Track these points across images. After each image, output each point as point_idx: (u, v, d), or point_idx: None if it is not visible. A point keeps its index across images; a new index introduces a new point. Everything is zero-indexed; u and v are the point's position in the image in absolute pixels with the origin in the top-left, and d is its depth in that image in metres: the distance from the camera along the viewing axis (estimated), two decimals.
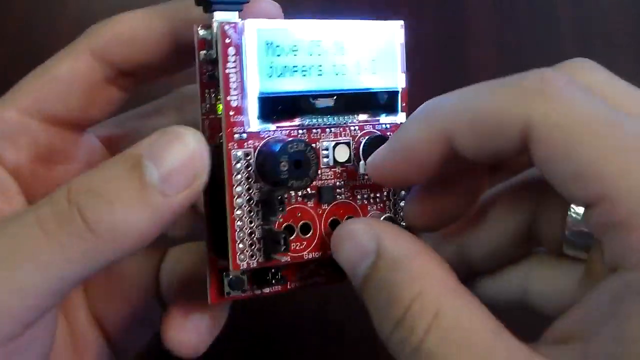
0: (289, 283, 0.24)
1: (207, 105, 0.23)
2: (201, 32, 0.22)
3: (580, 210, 0.23)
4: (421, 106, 0.23)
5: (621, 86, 0.22)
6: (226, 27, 0.22)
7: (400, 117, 0.25)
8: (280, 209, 0.23)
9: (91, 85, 0.25)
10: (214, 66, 0.22)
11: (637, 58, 0.45)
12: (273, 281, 0.24)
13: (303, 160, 0.23)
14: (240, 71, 0.22)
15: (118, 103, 0.26)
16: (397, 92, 0.25)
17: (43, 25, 0.49)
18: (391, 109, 0.25)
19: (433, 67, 0.46)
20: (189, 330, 0.24)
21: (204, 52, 0.22)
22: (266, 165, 0.22)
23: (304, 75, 0.24)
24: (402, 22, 0.26)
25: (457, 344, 0.19)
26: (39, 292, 0.19)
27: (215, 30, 0.22)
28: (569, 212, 0.23)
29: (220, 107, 0.22)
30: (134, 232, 0.20)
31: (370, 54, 0.25)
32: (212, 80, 0.23)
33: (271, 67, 0.23)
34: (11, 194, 0.24)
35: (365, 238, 0.21)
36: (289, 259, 0.23)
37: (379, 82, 0.25)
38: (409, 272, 0.20)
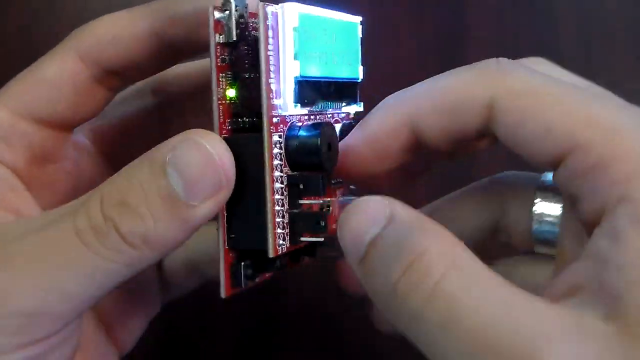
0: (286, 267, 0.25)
1: (222, 90, 0.22)
2: (217, 14, 0.21)
3: (544, 206, 0.24)
4: (385, 98, 0.24)
5: (574, 77, 0.23)
6: (268, 8, 0.21)
7: (360, 107, 0.27)
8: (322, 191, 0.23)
9: (79, 85, 0.25)
10: (225, 49, 0.22)
11: (637, 58, 0.45)
12: (276, 266, 0.23)
13: (332, 144, 0.23)
14: (277, 54, 0.22)
15: (106, 102, 0.27)
16: (358, 82, 0.27)
17: (43, 25, 0.49)
18: (354, 99, 0.27)
19: (433, 67, 0.46)
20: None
21: (219, 35, 0.22)
22: (307, 149, 0.22)
23: (319, 62, 0.24)
24: (361, 18, 0.27)
25: (479, 288, 0.18)
26: (81, 297, 0.21)
27: (234, 11, 0.21)
28: (533, 207, 0.24)
29: (229, 93, 0.22)
30: (166, 242, 0.21)
31: (350, 45, 0.26)
32: (224, 64, 0.22)
33: (304, 52, 0.23)
34: (20, 192, 0.25)
35: (377, 207, 0.21)
36: (316, 240, 0.23)
37: (352, 73, 0.27)
38: (422, 229, 0.20)
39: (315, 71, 0.24)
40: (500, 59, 0.22)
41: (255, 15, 0.22)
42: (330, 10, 0.25)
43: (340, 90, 0.25)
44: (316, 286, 0.42)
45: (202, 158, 0.20)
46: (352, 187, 0.26)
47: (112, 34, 0.25)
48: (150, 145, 0.30)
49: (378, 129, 0.23)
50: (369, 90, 0.46)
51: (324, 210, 0.24)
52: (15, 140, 0.25)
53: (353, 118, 0.27)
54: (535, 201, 0.24)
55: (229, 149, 0.21)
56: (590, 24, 0.46)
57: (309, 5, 0.23)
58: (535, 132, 0.20)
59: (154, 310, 0.30)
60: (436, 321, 0.18)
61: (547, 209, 0.24)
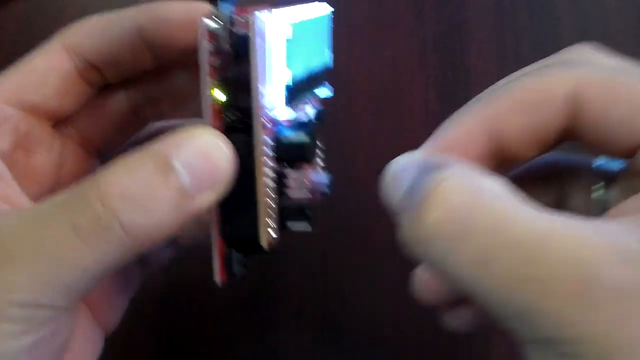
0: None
1: (212, 95, 0.23)
2: (209, 24, 0.22)
3: (604, 193, 0.23)
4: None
5: (626, 62, 0.23)
6: (258, 19, 0.22)
7: (330, 91, 0.28)
8: None
9: (64, 76, 0.27)
10: (215, 56, 0.22)
11: (637, 58, 0.45)
12: (266, 251, 0.25)
13: (315, 138, 0.24)
14: (268, 62, 0.22)
15: (87, 98, 0.28)
16: (329, 68, 0.27)
17: (43, 26, 0.49)
18: (324, 82, 0.27)
19: (433, 67, 0.46)
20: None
21: (211, 43, 0.22)
22: (297, 146, 0.24)
23: (302, 61, 0.24)
24: (332, 9, 0.27)
25: (512, 223, 0.18)
26: (78, 289, 0.21)
27: (226, 21, 0.22)
28: (592, 195, 0.24)
29: (217, 95, 0.23)
30: (167, 232, 0.21)
31: (322, 35, 0.26)
32: (213, 69, 0.23)
33: (293, 58, 0.24)
34: (7, 180, 0.25)
35: (407, 162, 0.21)
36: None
37: (324, 61, 0.27)
38: (440, 166, 0.19)
39: (300, 72, 0.24)
40: (568, 53, 0.23)
41: (244, 11, 0.23)
42: (296, 5, 0.25)
43: (314, 78, 0.26)
44: (316, 286, 0.42)
45: (209, 152, 0.21)
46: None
47: (98, 28, 0.26)
48: (127, 136, 0.31)
49: (453, 136, 0.22)
50: (370, 90, 0.46)
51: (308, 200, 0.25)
52: (2, 125, 0.26)
53: (322, 102, 0.28)
54: (595, 187, 0.24)
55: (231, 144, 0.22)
56: (590, 24, 0.46)
57: (287, 8, 0.24)
58: (626, 114, 0.20)
59: (135, 286, 0.30)
60: (469, 261, 0.18)
61: (608, 195, 0.23)
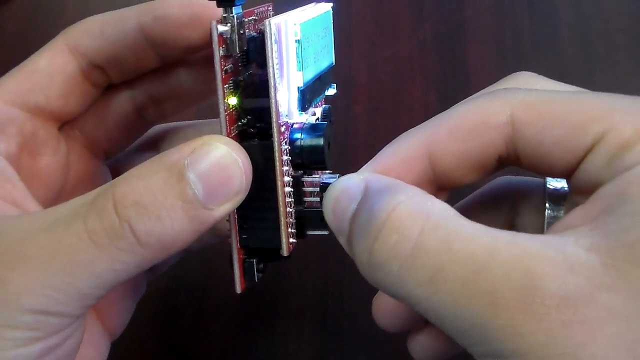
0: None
1: (227, 101, 0.23)
2: (220, 28, 0.22)
3: (556, 211, 0.24)
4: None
5: (564, 85, 0.23)
6: (273, 24, 0.21)
7: (334, 89, 0.28)
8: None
9: (68, 76, 0.27)
10: (227, 60, 0.22)
11: (637, 58, 0.45)
12: (284, 257, 0.24)
13: (331, 143, 0.24)
14: (281, 66, 0.22)
15: (92, 99, 0.28)
16: (333, 65, 0.27)
17: (43, 25, 0.49)
18: (330, 82, 0.27)
19: (433, 67, 0.46)
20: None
21: (223, 48, 0.22)
22: (312, 150, 0.23)
23: (312, 63, 0.24)
24: (331, 4, 0.27)
25: (459, 240, 0.18)
26: (90, 296, 0.21)
27: (236, 25, 0.22)
28: (545, 212, 0.24)
29: (230, 101, 0.22)
30: (180, 242, 0.21)
31: (327, 34, 0.27)
32: (226, 74, 0.22)
33: (303, 60, 0.23)
34: (15, 182, 0.25)
35: (352, 184, 0.21)
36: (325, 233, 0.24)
37: (330, 60, 0.27)
38: (392, 191, 0.20)
39: (310, 74, 0.24)
40: (506, 88, 0.23)
41: (249, 13, 0.23)
42: (301, 7, 0.25)
43: (322, 79, 0.26)
44: (316, 286, 0.42)
45: (224, 164, 0.21)
46: None
47: (100, 28, 0.26)
48: (132, 138, 0.31)
49: (391, 161, 0.22)
50: (370, 90, 0.46)
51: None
52: (9, 127, 0.26)
53: (326, 100, 0.28)
54: (547, 206, 0.24)
55: (247, 155, 0.22)
56: (589, 24, 0.46)
57: (299, 11, 0.24)
58: (562, 133, 0.20)
59: (141, 291, 0.30)
60: (421, 280, 0.18)
61: (559, 214, 0.24)
